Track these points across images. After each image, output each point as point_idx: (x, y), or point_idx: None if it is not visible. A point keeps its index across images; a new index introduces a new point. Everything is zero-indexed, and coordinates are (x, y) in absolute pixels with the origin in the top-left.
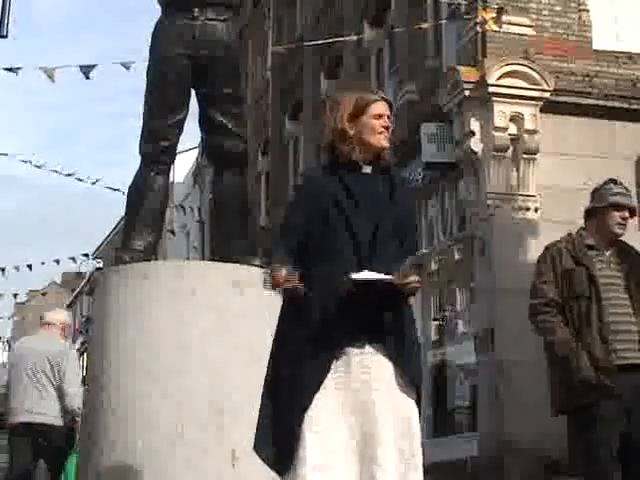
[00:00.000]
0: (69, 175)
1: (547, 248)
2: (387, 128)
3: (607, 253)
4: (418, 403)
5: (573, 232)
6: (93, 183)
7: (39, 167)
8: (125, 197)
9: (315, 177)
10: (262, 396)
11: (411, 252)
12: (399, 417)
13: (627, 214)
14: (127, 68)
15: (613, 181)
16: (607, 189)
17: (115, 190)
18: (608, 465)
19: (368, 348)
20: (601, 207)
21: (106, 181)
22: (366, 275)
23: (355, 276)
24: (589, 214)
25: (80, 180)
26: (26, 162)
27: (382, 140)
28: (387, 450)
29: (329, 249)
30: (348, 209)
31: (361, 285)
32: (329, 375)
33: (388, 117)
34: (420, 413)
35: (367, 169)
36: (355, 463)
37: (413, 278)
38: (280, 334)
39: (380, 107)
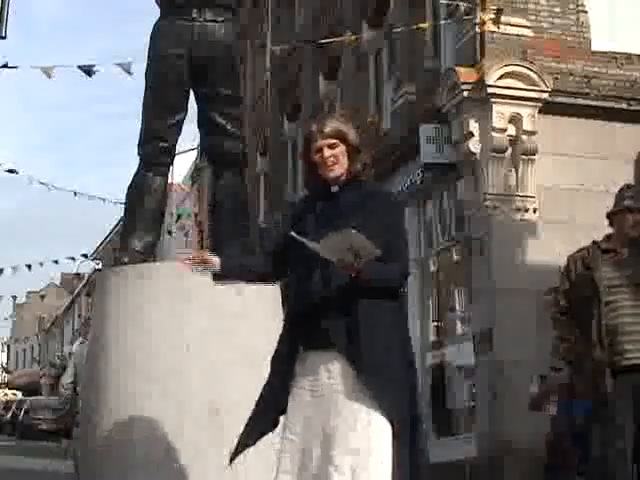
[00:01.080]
0: (55, 188)
1: (568, 258)
2: (326, 159)
3: (625, 255)
4: (391, 404)
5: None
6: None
7: (29, 180)
8: (124, 199)
9: (296, 205)
10: None
11: (388, 255)
12: (357, 418)
13: (628, 216)
14: (128, 72)
15: (628, 186)
16: (621, 193)
17: (104, 200)
18: (616, 465)
19: (332, 352)
20: (616, 211)
21: (103, 184)
22: (303, 239)
23: (294, 234)
24: (609, 219)
25: (75, 194)
26: (12, 172)
27: (327, 172)
28: (342, 452)
29: (293, 263)
30: (310, 227)
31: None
32: (299, 380)
33: (330, 145)
34: (397, 414)
35: (335, 188)
36: (317, 466)
37: (348, 260)
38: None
39: (316, 142)
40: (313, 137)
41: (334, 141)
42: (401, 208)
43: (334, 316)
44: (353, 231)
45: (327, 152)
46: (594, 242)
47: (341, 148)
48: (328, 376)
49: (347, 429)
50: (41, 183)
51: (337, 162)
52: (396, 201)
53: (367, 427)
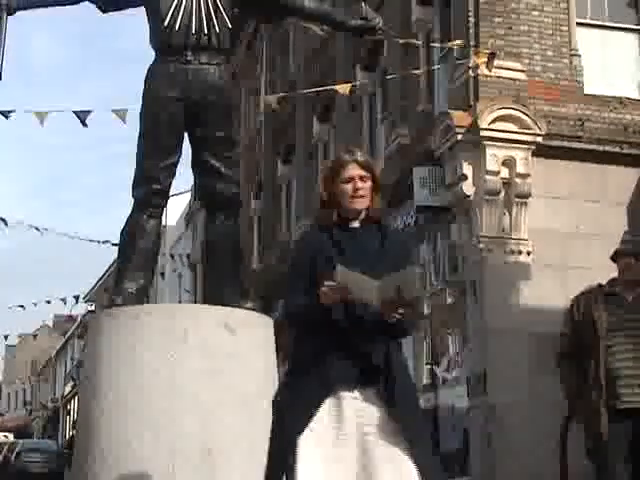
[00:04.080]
0: (43, 229)
1: (571, 300)
2: (357, 190)
3: (628, 298)
4: (423, 449)
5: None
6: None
7: (27, 227)
8: (118, 240)
9: (307, 238)
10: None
11: None
12: (392, 462)
13: (630, 260)
14: (123, 120)
15: (628, 231)
16: (622, 238)
17: (101, 242)
18: None
19: (361, 393)
20: (613, 255)
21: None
22: (350, 272)
23: (340, 267)
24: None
25: (67, 235)
26: (3, 221)
27: (355, 204)
28: None
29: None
30: (336, 262)
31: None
32: (323, 420)
33: (362, 177)
34: (425, 459)
35: (355, 224)
36: None
37: (394, 301)
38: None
39: (349, 170)
40: (346, 165)
41: (367, 174)
42: (415, 253)
43: (374, 353)
44: (418, 270)
45: (360, 183)
46: (599, 285)
47: (370, 184)
48: (355, 415)
49: (387, 474)
50: (35, 228)
51: (365, 195)
52: (413, 247)
53: (407, 473)
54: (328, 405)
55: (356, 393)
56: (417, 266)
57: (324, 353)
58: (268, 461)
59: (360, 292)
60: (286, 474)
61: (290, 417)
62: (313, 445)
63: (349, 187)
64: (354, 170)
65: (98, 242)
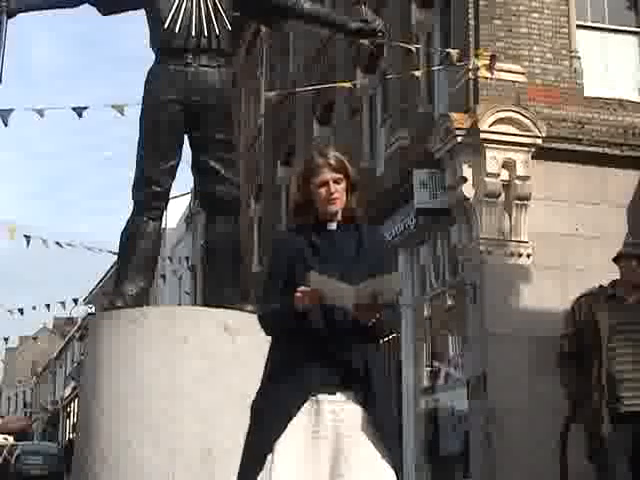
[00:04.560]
0: (39, 238)
1: (573, 302)
2: (332, 194)
3: (630, 300)
4: (395, 452)
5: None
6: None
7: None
8: (117, 244)
9: (283, 240)
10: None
11: None
12: (370, 466)
13: (632, 263)
14: (121, 113)
15: (630, 234)
16: (624, 240)
17: (91, 248)
18: None
19: (340, 396)
20: (616, 258)
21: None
22: (324, 278)
23: (314, 273)
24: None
25: (58, 244)
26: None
27: (331, 207)
28: None
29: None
30: (313, 264)
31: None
32: (301, 422)
33: (336, 180)
34: (397, 462)
35: (332, 226)
36: None
37: (370, 306)
38: (264, 374)
39: (323, 174)
40: (319, 169)
41: (340, 176)
42: (395, 254)
43: (353, 357)
44: (391, 277)
45: (334, 187)
46: (601, 286)
47: (344, 184)
48: (333, 418)
49: (357, 476)
50: (25, 237)
51: (339, 197)
52: (392, 248)
53: (383, 477)
54: (306, 408)
55: (335, 396)
56: (396, 269)
57: (302, 357)
58: (241, 465)
59: (334, 297)
60: (262, 475)
61: (269, 420)
62: (290, 447)
63: (323, 191)
64: (327, 174)
65: (89, 249)
